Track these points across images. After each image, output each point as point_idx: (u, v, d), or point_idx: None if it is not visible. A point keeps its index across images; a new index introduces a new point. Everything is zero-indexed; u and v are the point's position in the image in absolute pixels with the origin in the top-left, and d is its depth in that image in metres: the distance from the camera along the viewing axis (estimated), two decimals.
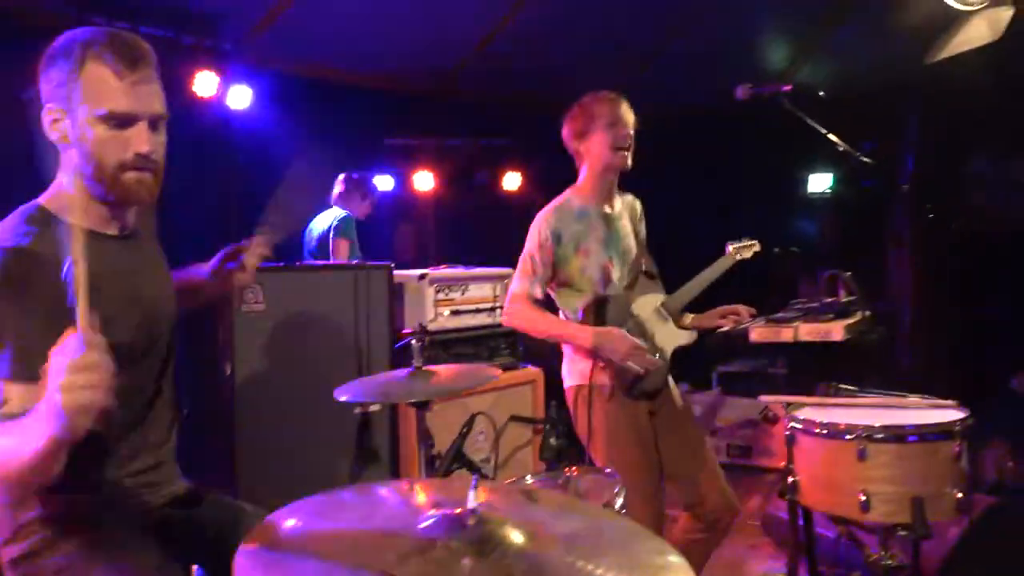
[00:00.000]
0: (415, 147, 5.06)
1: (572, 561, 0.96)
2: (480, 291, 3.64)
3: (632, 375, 2.40)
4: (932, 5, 3.83)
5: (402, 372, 2.05)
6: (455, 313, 3.55)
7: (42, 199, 1.57)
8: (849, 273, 2.71)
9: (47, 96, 1.52)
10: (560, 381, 2.62)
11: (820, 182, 6.12)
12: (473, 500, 1.02)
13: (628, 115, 2.60)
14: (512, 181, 5.31)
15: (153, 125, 1.55)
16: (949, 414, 1.94)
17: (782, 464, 2.05)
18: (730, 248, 2.87)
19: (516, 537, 0.97)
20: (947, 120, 4.63)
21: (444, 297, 3.52)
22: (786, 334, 2.50)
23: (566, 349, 2.62)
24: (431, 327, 3.44)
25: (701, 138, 5.93)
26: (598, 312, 2.52)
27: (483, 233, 5.22)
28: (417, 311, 3.44)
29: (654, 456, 2.51)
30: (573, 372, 2.55)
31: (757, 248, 2.92)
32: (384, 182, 4.95)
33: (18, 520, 1.52)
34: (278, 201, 1.99)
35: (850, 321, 2.53)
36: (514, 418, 3.61)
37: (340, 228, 4.41)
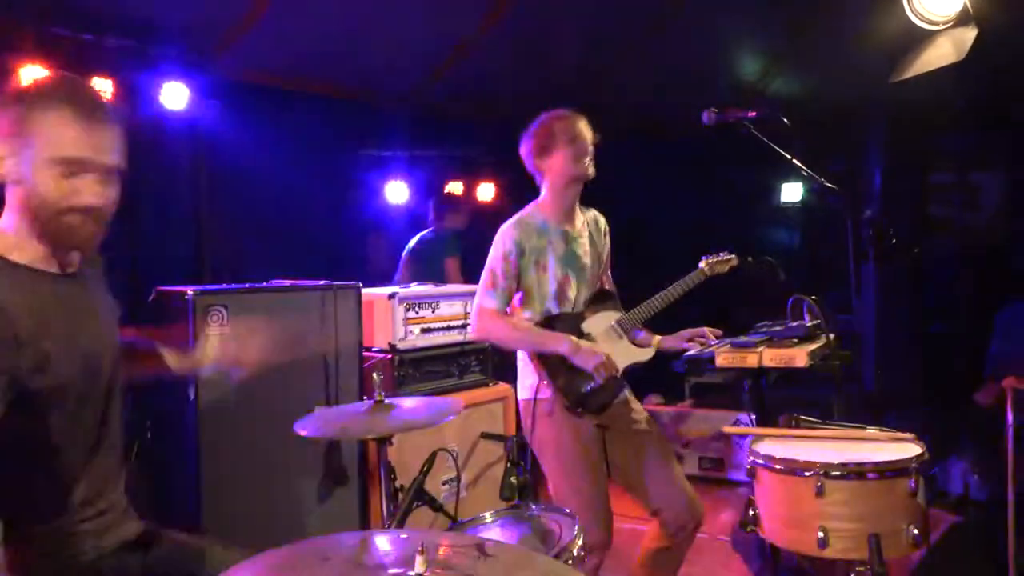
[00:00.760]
0: (388, 159, 5.04)
1: None
2: (451, 308, 3.64)
3: (585, 386, 2.51)
4: (898, 24, 3.88)
5: (363, 405, 2.04)
6: (426, 331, 3.54)
7: None
8: (814, 297, 2.72)
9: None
10: None
11: (793, 192, 6.19)
12: (420, 566, 1.03)
13: (587, 130, 2.64)
14: (486, 192, 5.30)
15: (105, 176, 1.53)
16: (906, 449, 1.97)
17: None
18: (703, 263, 2.86)
19: None
20: (911, 136, 4.69)
21: (415, 315, 3.50)
22: (751, 359, 2.51)
23: (518, 364, 2.70)
24: (401, 345, 3.43)
25: (673, 149, 5.97)
26: (547, 325, 2.58)
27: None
28: (387, 330, 3.43)
29: (600, 467, 2.60)
30: (523, 386, 2.67)
31: (734, 263, 2.93)
32: (356, 195, 4.92)
33: None
34: None
35: (814, 346, 2.55)
36: (484, 435, 3.61)
37: (450, 246, 4.67)
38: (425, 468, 1.96)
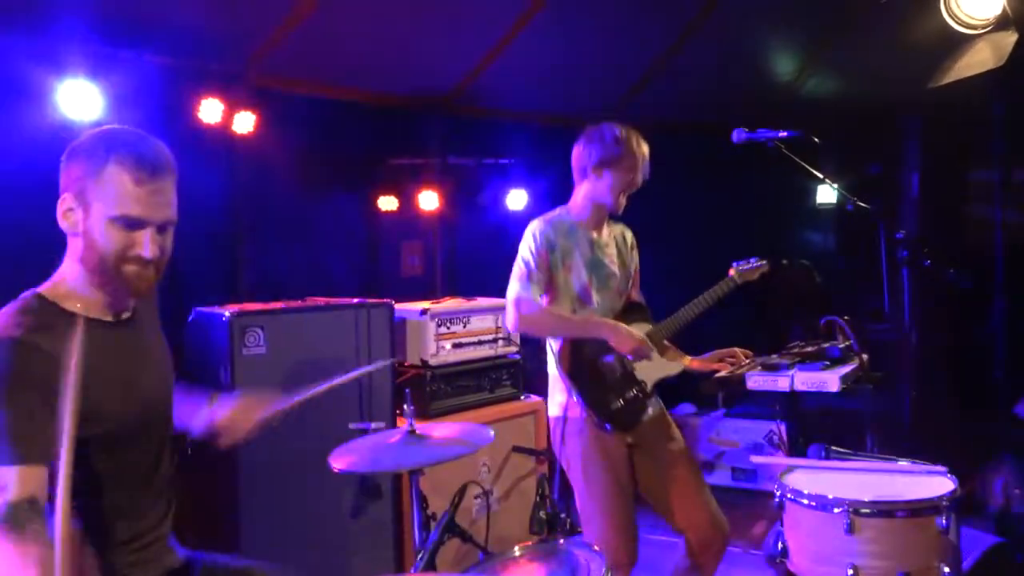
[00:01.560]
0: (420, 167, 5.06)
1: None
2: (482, 323, 3.67)
3: (615, 402, 2.53)
4: (935, 27, 3.80)
5: (395, 435, 2.08)
6: (457, 346, 3.58)
7: (42, 288, 1.61)
8: (847, 317, 2.70)
9: (64, 186, 1.58)
10: None
11: (828, 193, 6.09)
12: None
13: (643, 162, 2.63)
14: (517, 200, 5.30)
15: (161, 229, 1.60)
16: (938, 485, 1.95)
17: None
18: (733, 271, 2.81)
19: None
20: (949, 138, 4.60)
21: (446, 331, 3.54)
22: (782, 383, 2.51)
23: (549, 380, 2.70)
24: (433, 361, 3.47)
25: (708, 150, 5.92)
26: (575, 346, 2.57)
27: (489, 251, 5.23)
28: (419, 346, 3.48)
29: (628, 486, 2.60)
30: (554, 403, 2.66)
31: (765, 270, 2.87)
32: (388, 203, 4.95)
33: None
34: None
35: (846, 370, 2.54)
36: (516, 449, 3.65)
37: None
38: (456, 501, 1.99)
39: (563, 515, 2.31)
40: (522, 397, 3.76)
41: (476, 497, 3.43)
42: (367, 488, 3.10)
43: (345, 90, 4.73)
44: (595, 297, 2.64)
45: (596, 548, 1.89)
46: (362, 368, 2.05)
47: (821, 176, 2.70)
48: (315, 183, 4.59)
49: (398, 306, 3.43)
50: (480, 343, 3.66)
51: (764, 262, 2.85)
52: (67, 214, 1.58)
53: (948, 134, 4.61)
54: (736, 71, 5.55)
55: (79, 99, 3.42)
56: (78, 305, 1.60)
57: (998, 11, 3.61)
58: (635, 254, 2.87)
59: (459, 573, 1.79)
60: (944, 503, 1.84)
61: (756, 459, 2.37)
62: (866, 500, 1.85)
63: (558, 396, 2.63)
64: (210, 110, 3.90)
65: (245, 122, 4.03)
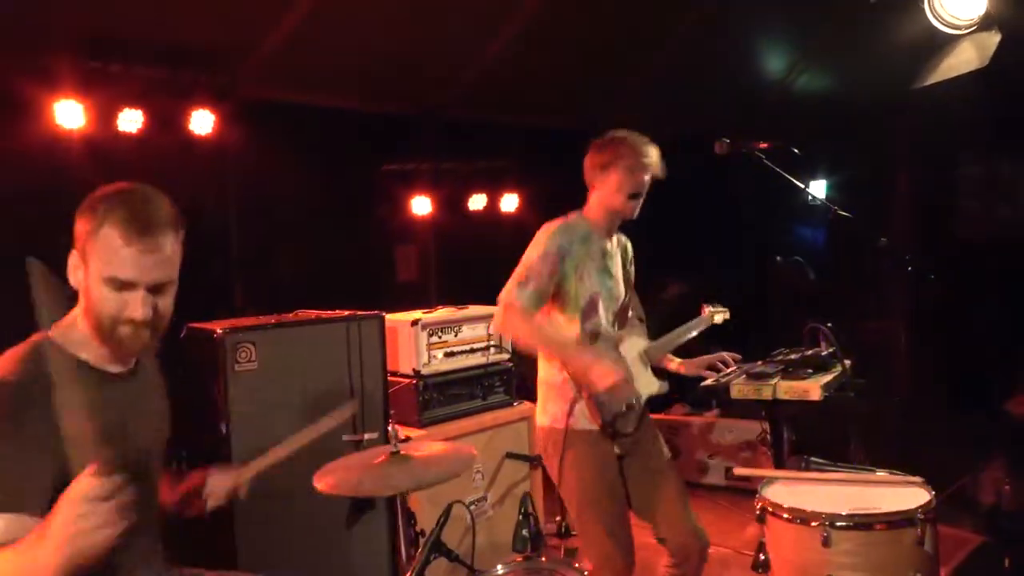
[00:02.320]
0: (411, 171, 5.09)
1: None
2: (473, 332, 3.70)
3: (620, 406, 2.49)
4: (920, 27, 3.81)
5: (381, 454, 2.11)
6: (449, 355, 3.61)
7: (54, 330, 1.63)
8: (829, 324, 2.73)
9: (75, 241, 1.60)
10: None
11: (818, 189, 6.12)
12: None
13: (653, 163, 2.62)
14: (510, 202, 5.33)
15: (155, 290, 1.60)
16: (914, 496, 1.98)
17: None
18: (706, 310, 2.99)
19: None
20: (938, 135, 4.61)
21: (438, 340, 3.57)
22: (765, 392, 2.54)
23: (540, 389, 2.69)
24: (425, 370, 3.50)
25: (696, 147, 5.94)
26: (591, 348, 2.57)
27: (482, 254, 5.27)
28: (411, 356, 3.50)
29: (621, 494, 2.62)
30: (545, 412, 2.63)
31: (727, 316, 3.04)
32: (381, 208, 4.99)
33: None
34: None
35: (828, 378, 2.57)
36: (510, 455, 3.68)
37: None
38: (441, 521, 2.03)
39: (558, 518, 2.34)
40: (515, 404, 3.79)
41: (471, 504, 3.47)
42: (360, 500, 3.14)
43: (335, 98, 4.76)
44: (601, 307, 2.63)
45: (577, 566, 1.92)
46: (325, 421, 2.05)
47: (802, 185, 2.72)
48: (307, 191, 4.63)
49: (389, 316, 3.46)
50: (472, 351, 3.69)
51: (726, 310, 3.02)
52: (73, 271, 1.61)
53: (935, 133, 4.63)
54: (727, 69, 5.57)
55: (70, 113, 3.46)
56: (84, 354, 1.62)
57: (982, 11, 3.62)
58: (632, 267, 2.90)
59: None
60: (919, 515, 1.88)
61: (738, 471, 2.41)
62: (843, 513, 1.88)
63: (551, 406, 2.61)
64: (201, 121, 3.93)
65: (236, 132, 4.06)
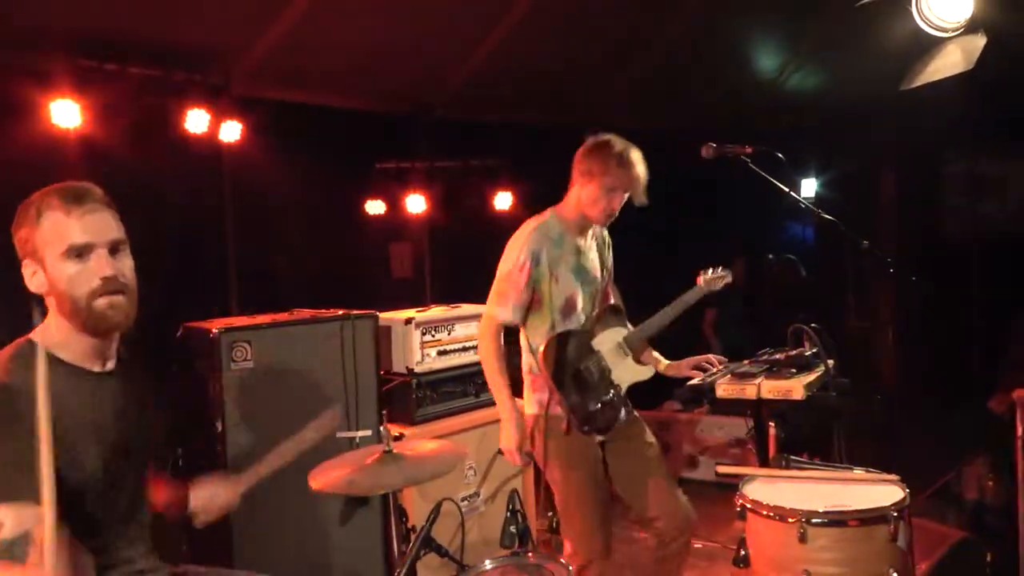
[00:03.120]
0: (406, 170, 5.13)
1: None
2: (466, 330, 3.75)
3: (593, 405, 2.62)
4: (907, 29, 3.86)
5: (374, 453, 2.16)
6: (442, 353, 3.66)
7: (34, 333, 1.70)
8: (813, 325, 2.78)
9: (22, 253, 1.66)
10: None
11: (807, 188, 6.18)
12: None
13: (635, 189, 2.65)
14: (503, 201, 5.38)
15: (112, 250, 1.66)
16: (889, 494, 2.04)
17: None
18: (701, 280, 2.90)
19: None
20: (925, 135, 4.67)
21: (431, 339, 3.63)
22: (750, 391, 2.60)
23: (526, 379, 2.78)
24: (419, 369, 3.56)
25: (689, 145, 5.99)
26: (558, 349, 2.64)
27: (476, 252, 5.32)
28: (405, 354, 3.56)
29: (603, 482, 2.72)
30: (531, 400, 2.74)
31: (728, 280, 2.95)
32: (376, 207, 5.04)
33: None
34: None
35: (811, 377, 2.62)
36: (502, 452, 3.73)
37: None
38: (432, 517, 2.09)
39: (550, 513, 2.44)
40: None
41: (464, 500, 3.53)
42: (354, 496, 3.19)
43: (330, 97, 4.80)
44: (579, 305, 2.72)
45: (563, 561, 1.98)
46: (309, 433, 2.10)
47: (787, 190, 2.77)
48: (302, 190, 4.67)
49: (383, 315, 3.52)
50: (465, 349, 3.74)
51: (728, 272, 2.91)
52: (33, 277, 1.66)
53: (922, 134, 4.68)
54: (719, 69, 5.62)
55: (66, 112, 3.50)
56: (67, 354, 1.68)
57: (968, 15, 3.67)
58: (610, 253, 2.94)
59: None
60: (893, 512, 1.94)
61: (721, 469, 2.48)
62: (819, 510, 1.95)
63: (535, 394, 2.71)
64: (196, 120, 3.96)
65: (231, 131, 4.10)
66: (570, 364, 2.64)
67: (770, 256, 6.07)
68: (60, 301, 1.65)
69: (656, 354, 2.96)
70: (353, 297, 3.67)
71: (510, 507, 2.12)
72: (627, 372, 2.77)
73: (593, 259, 2.80)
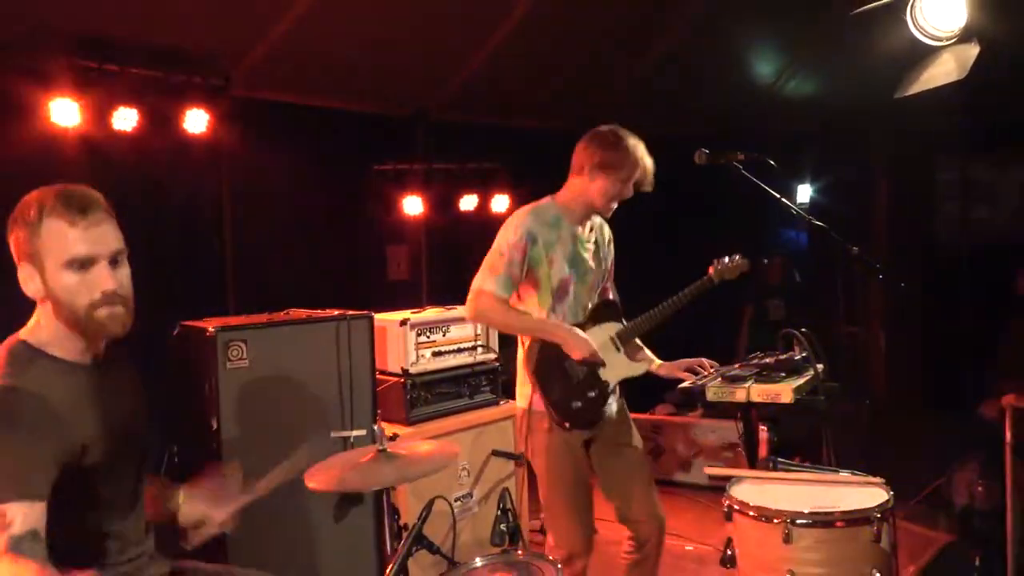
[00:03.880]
0: (403, 172, 5.17)
1: None
2: (461, 332, 3.78)
3: (575, 403, 2.63)
4: (902, 37, 3.90)
5: (367, 453, 2.19)
6: (437, 354, 3.69)
7: (24, 333, 1.72)
8: (803, 330, 2.81)
9: (17, 256, 1.68)
10: None
11: (802, 193, 6.21)
12: None
13: (646, 181, 2.70)
14: (500, 203, 5.41)
15: (113, 261, 1.69)
16: (873, 496, 2.07)
17: None
18: (712, 270, 2.83)
19: None
20: (917, 145, 4.71)
21: (426, 340, 3.66)
22: (739, 395, 2.62)
23: (518, 373, 2.80)
24: (413, 369, 3.59)
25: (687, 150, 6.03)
26: (544, 344, 2.66)
27: (472, 255, 5.35)
28: (400, 355, 3.59)
29: (587, 478, 2.75)
30: (520, 396, 2.76)
31: (745, 268, 2.88)
32: (373, 207, 5.07)
33: None
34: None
35: (800, 381, 2.65)
36: (495, 452, 3.76)
37: None
38: (424, 515, 2.11)
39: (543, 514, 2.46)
40: (501, 402, 3.87)
41: (457, 500, 3.55)
42: (348, 495, 3.22)
43: (329, 98, 4.83)
44: (572, 291, 2.71)
45: (552, 559, 2.01)
46: (284, 467, 2.12)
47: (777, 196, 2.80)
48: (301, 191, 4.71)
49: (379, 316, 3.55)
50: (459, 351, 3.77)
51: (744, 259, 2.85)
52: (28, 281, 1.68)
53: (915, 141, 4.72)
54: (716, 74, 5.66)
55: (65, 112, 3.52)
56: (58, 351, 1.71)
57: (962, 24, 3.71)
58: (611, 248, 2.94)
59: None
60: (876, 513, 1.97)
61: (709, 470, 2.50)
62: (804, 512, 1.98)
63: (526, 389, 2.73)
64: (195, 121, 3.99)
65: (229, 132, 4.13)
66: (554, 360, 2.65)
67: (764, 260, 6.10)
68: (57, 308, 1.67)
69: (649, 353, 2.96)
70: (349, 299, 3.69)
71: (501, 505, 2.15)
72: (619, 367, 2.78)
73: (591, 250, 2.80)
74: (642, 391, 3.07)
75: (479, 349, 3.83)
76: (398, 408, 3.53)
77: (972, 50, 3.79)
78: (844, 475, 2.22)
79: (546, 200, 2.75)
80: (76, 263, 1.64)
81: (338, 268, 4.96)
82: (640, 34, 5.21)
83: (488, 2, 4.51)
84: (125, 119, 3.74)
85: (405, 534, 2.19)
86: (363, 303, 3.55)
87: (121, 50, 3.75)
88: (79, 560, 1.72)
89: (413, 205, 5.16)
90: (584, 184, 2.70)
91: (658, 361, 2.96)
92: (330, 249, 4.96)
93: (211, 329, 2.99)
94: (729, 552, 2.13)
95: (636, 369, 2.83)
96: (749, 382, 2.64)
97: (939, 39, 3.82)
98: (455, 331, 3.76)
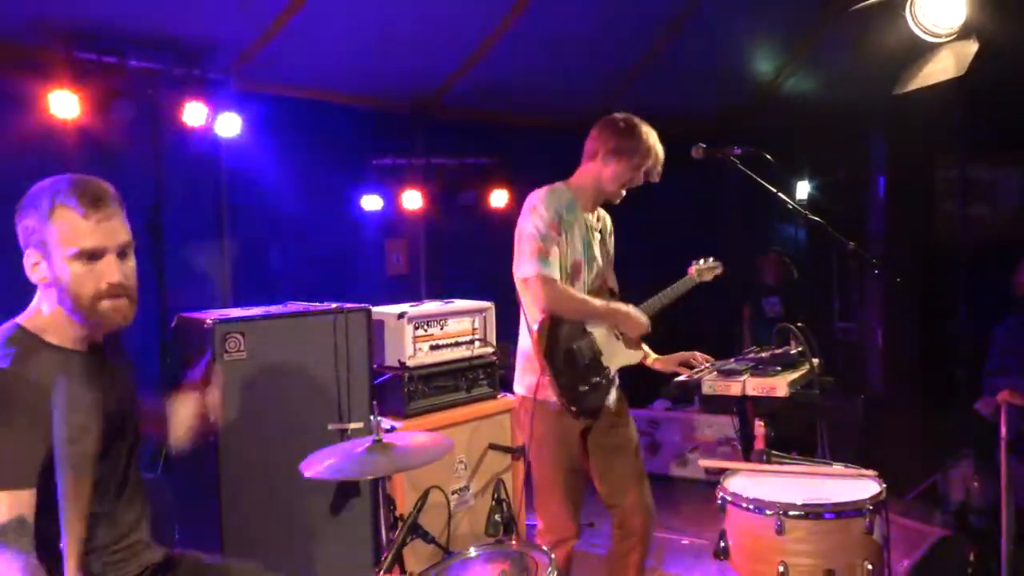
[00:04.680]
0: (402, 167, 5.17)
1: None
2: (459, 325, 3.79)
3: (582, 386, 2.66)
4: (902, 34, 3.90)
5: (364, 444, 2.20)
6: (434, 348, 3.70)
7: (22, 319, 1.73)
8: (799, 325, 2.82)
9: (25, 242, 1.69)
10: None
11: (801, 190, 6.22)
12: None
13: (658, 169, 2.76)
14: (499, 199, 5.42)
15: (121, 254, 1.71)
16: (865, 488, 2.08)
17: None
18: (692, 269, 2.98)
19: None
20: (915, 141, 4.71)
21: (423, 333, 3.66)
22: (735, 388, 2.64)
23: (519, 361, 2.83)
24: (411, 363, 3.59)
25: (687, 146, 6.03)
26: (552, 327, 2.68)
27: (471, 249, 5.38)
28: (397, 348, 3.59)
29: (579, 465, 2.79)
30: (521, 383, 2.79)
31: (719, 272, 3.03)
32: (372, 202, 5.07)
33: None
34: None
35: (796, 375, 2.66)
36: (492, 446, 3.78)
37: None
38: (419, 505, 2.12)
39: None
40: (498, 396, 3.88)
41: (454, 493, 3.56)
42: (345, 486, 3.24)
43: (328, 92, 4.84)
44: (581, 277, 2.75)
45: (545, 549, 2.02)
46: None
47: (774, 191, 2.81)
48: (299, 184, 4.71)
49: (376, 309, 3.55)
50: (457, 344, 3.77)
51: (719, 264, 2.99)
52: (35, 268, 1.70)
53: (914, 137, 4.72)
54: (717, 70, 5.66)
55: (64, 104, 3.53)
56: (55, 338, 1.72)
57: (961, 20, 3.71)
58: (612, 240, 2.99)
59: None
60: (868, 506, 1.98)
61: (704, 463, 2.52)
62: (796, 503, 1.99)
63: (527, 376, 2.75)
64: (194, 113, 3.99)
65: (229, 125, 4.12)
66: (563, 343, 2.68)
67: (762, 256, 6.11)
68: (61, 295, 1.69)
69: (645, 347, 2.99)
70: (348, 292, 3.70)
71: (495, 496, 2.16)
72: (618, 355, 2.84)
73: (597, 240, 2.85)
74: (639, 387, 3.09)
75: (477, 343, 3.84)
76: (395, 401, 3.54)
77: (971, 47, 3.80)
78: (837, 468, 2.23)
79: (560, 185, 2.77)
80: (85, 254, 1.65)
81: (337, 262, 4.97)
82: (640, 32, 5.21)
83: None
84: (124, 111, 3.74)
85: (401, 524, 2.20)
86: (361, 297, 3.56)
87: (120, 43, 3.75)
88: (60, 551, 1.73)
89: (412, 199, 5.17)
90: (597, 169, 2.73)
91: (653, 355, 3.00)
92: (329, 243, 4.97)
93: (208, 321, 3.00)
94: (723, 544, 2.14)
95: (634, 357, 2.90)
96: (744, 376, 2.66)
97: (938, 36, 3.83)
98: (453, 325, 3.76)
